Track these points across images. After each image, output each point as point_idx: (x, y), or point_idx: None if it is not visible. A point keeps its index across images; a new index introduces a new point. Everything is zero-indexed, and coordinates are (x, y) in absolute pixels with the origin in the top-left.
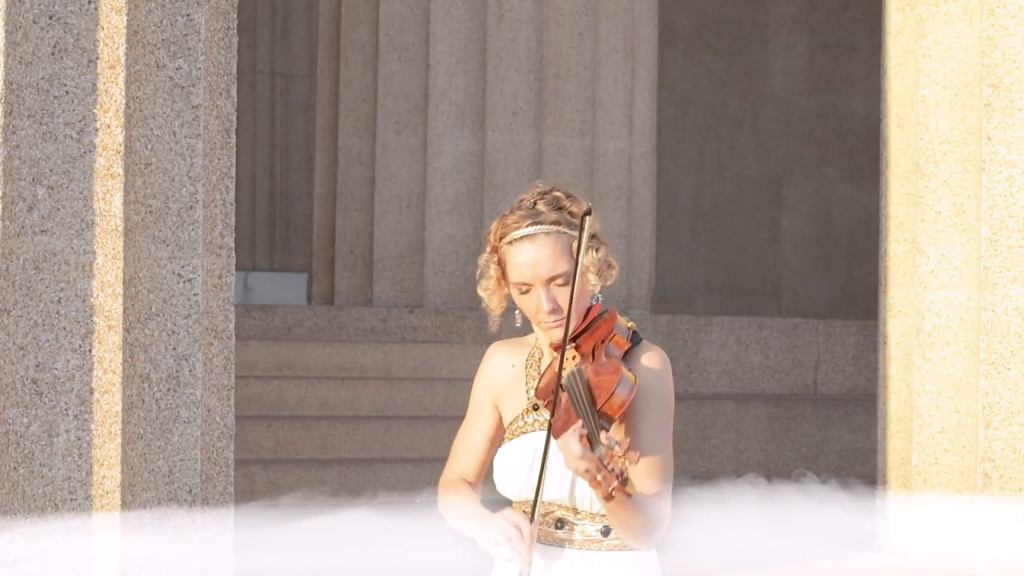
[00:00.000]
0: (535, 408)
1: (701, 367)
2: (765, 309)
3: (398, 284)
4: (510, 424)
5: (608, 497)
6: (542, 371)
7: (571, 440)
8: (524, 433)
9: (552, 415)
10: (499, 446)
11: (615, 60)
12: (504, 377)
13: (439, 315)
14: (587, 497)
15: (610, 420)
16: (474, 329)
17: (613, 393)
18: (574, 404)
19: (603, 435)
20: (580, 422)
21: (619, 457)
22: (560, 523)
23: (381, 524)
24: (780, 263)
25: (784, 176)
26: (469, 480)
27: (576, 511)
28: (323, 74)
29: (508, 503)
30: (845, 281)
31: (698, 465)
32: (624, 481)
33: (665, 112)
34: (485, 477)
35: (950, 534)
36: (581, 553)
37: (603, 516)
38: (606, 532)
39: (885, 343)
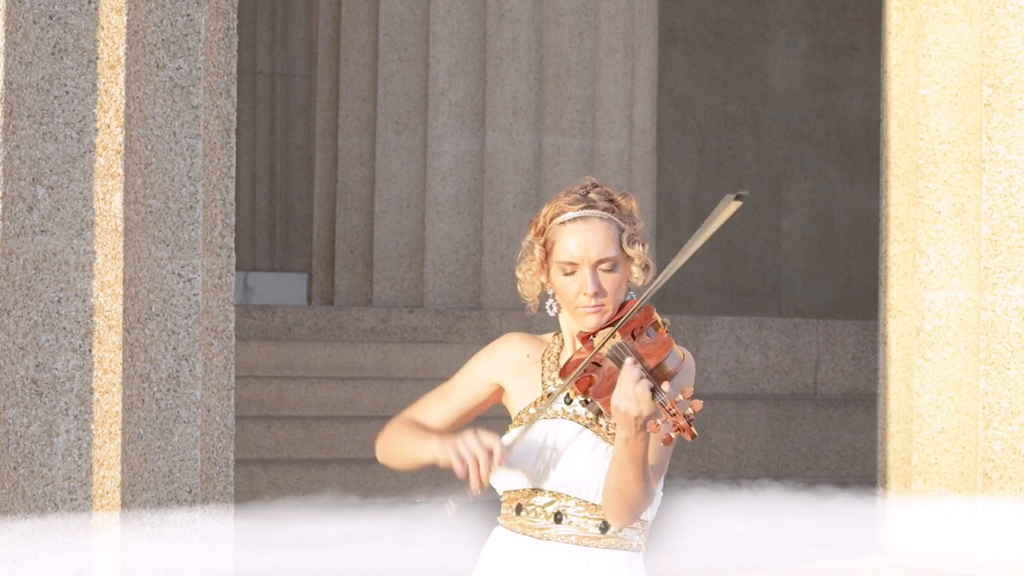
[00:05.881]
0: (549, 396)
1: (701, 367)
2: (765, 309)
3: (398, 284)
4: (519, 413)
5: (667, 440)
6: (561, 364)
7: (630, 377)
8: (535, 420)
9: (567, 373)
10: (472, 422)
11: (615, 60)
12: (516, 361)
13: (439, 315)
14: (594, 487)
15: (662, 382)
16: (474, 329)
17: (664, 360)
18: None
19: (664, 384)
20: (635, 362)
21: (684, 400)
22: (558, 516)
23: (380, 525)
24: (780, 263)
25: (784, 176)
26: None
27: (578, 502)
28: (323, 74)
29: (498, 507)
30: (845, 281)
31: (698, 465)
32: (690, 422)
33: (665, 112)
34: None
35: (950, 534)
36: (578, 549)
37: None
38: (604, 528)
39: (885, 343)
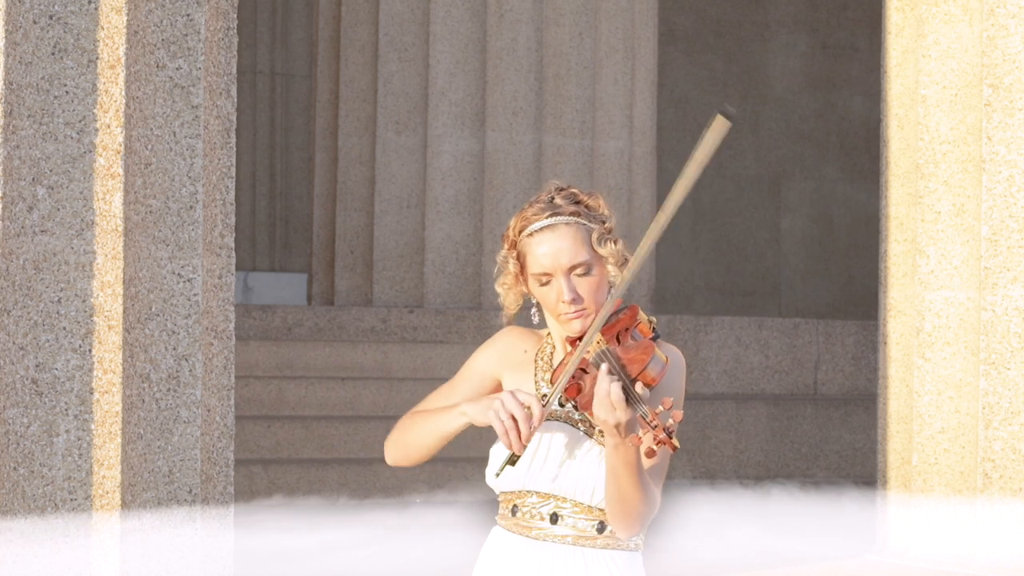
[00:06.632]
0: (543, 398)
1: (701, 367)
2: (765, 309)
3: (398, 284)
4: None
5: (650, 453)
6: (554, 366)
7: (602, 387)
8: None
9: (558, 378)
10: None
11: (615, 60)
12: (514, 357)
13: (439, 315)
14: (588, 488)
15: (647, 387)
16: (474, 329)
17: (646, 367)
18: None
19: (637, 388)
20: (608, 368)
21: (665, 411)
22: (554, 517)
23: (377, 526)
24: (780, 263)
25: (784, 176)
26: None
27: (574, 503)
28: (323, 74)
29: (496, 507)
30: (845, 281)
31: (698, 465)
32: (670, 434)
33: (665, 112)
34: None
35: (950, 534)
36: (575, 549)
37: (600, 511)
38: (601, 529)
39: (885, 343)
